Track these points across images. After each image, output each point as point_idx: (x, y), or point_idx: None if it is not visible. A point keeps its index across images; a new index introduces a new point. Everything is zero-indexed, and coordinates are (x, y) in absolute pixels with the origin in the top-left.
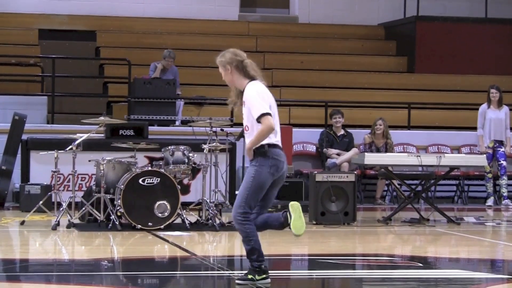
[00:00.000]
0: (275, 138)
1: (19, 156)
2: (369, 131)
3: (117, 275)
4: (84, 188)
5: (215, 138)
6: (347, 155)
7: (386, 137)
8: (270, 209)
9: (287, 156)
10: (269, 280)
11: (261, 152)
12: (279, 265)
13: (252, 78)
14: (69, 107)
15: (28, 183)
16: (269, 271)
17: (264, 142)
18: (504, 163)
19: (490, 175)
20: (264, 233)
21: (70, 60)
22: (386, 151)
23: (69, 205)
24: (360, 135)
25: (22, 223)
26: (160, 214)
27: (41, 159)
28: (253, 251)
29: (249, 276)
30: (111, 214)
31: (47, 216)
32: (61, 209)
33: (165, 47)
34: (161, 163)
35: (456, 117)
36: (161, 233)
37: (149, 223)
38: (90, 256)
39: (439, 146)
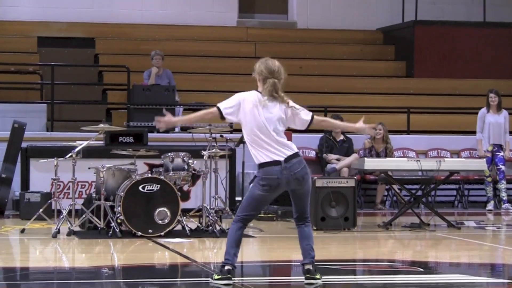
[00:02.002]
0: (264, 157)
1: (19, 164)
2: (368, 136)
3: (118, 282)
4: (84, 196)
5: (215, 144)
6: (347, 160)
7: (385, 142)
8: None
9: None
10: (224, 282)
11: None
12: (279, 271)
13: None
14: (68, 115)
15: (28, 191)
16: (269, 277)
17: (256, 162)
18: (502, 167)
19: (489, 179)
20: (265, 238)
21: (69, 67)
22: (386, 156)
23: (69, 212)
24: (360, 140)
25: (22, 231)
26: (160, 221)
27: (41, 166)
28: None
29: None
30: (111, 221)
31: (47, 224)
32: (61, 216)
33: (164, 54)
34: (161, 170)
35: (455, 121)
36: (161, 240)
37: (150, 230)
38: (90, 263)
39: (439, 151)
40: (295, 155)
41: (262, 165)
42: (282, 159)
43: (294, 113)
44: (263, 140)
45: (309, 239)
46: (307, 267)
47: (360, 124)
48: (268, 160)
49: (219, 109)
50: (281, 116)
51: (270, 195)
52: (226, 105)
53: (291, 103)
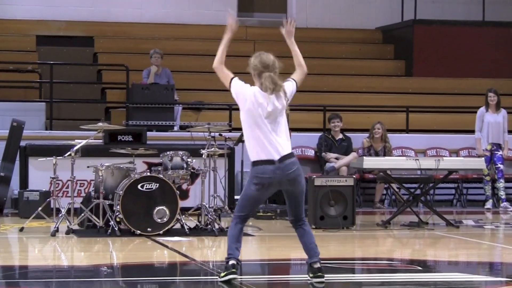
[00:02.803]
0: (256, 155)
1: (17, 162)
2: (367, 135)
3: (117, 281)
4: (83, 194)
5: (214, 143)
6: (345, 159)
7: (384, 141)
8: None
9: None
10: (229, 277)
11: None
12: (278, 270)
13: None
14: (67, 113)
15: (27, 189)
16: (269, 275)
17: (251, 158)
18: (501, 166)
19: (488, 178)
20: (264, 237)
21: (68, 66)
22: (384, 155)
23: (68, 211)
24: (359, 139)
25: (21, 229)
26: (159, 220)
27: (39, 165)
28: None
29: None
30: (110, 220)
31: (46, 222)
32: (60, 215)
33: (163, 53)
34: (159, 169)
35: (454, 121)
36: (160, 239)
37: (148, 229)
38: (89, 262)
39: (438, 150)
40: (290, 155)
41: (255, 163)
42: (276, 158)
43: (286, 91)
44: (259, 136)
45: (311, 238)
46: (316, 265)
47: (284, 33)
48: (261, 158)
49: (232, 79)
50: (282, 106)
51: (263, 193)
52: (237, 83)
53: (284, 87)
